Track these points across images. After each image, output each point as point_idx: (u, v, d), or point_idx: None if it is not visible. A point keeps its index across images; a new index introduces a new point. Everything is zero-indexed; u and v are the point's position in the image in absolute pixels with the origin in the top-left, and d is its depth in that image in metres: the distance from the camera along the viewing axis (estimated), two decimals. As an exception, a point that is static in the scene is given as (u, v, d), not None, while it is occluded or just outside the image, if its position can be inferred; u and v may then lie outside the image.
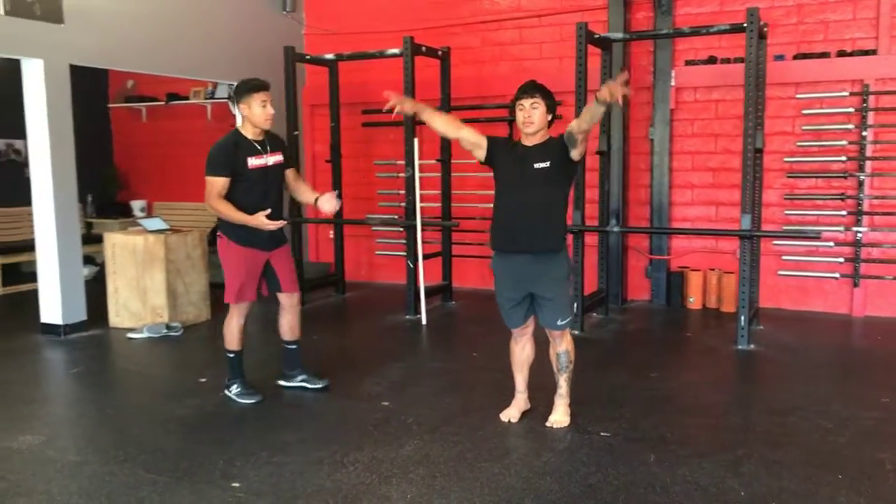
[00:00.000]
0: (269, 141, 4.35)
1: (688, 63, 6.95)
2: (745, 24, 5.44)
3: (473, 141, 3.92)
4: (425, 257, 7.49)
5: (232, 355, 4.49)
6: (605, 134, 6.52)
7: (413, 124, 6.70)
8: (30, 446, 3.79)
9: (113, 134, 9.98)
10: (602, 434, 3.88)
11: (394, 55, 6.79)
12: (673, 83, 6.95)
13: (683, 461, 3.52)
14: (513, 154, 3.86)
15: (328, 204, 4.33)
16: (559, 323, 3.94)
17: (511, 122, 7.59)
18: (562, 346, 4.03)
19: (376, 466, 3.51)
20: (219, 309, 6.74)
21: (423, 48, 6.77)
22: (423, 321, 6.43)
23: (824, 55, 6.49)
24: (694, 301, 6.96)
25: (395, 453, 3.66)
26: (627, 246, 7.32)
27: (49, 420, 4.22)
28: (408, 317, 6.63)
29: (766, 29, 5.89)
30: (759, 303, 6.21)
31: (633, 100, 7.18)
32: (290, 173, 4.51)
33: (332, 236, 8.04)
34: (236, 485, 3.34)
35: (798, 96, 6.62)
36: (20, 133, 6.17)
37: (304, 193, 4.56)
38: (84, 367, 5.38)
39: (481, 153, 3.92)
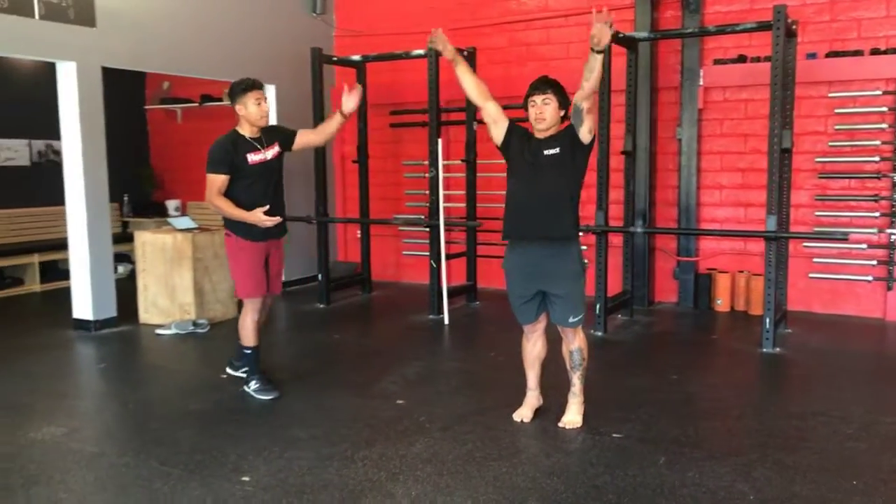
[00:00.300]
0: (266, 136, 4.46)
1: (717, 62, 6.85)
2: (771, 22, 5.34)
3: (496, 116, 3.93)
4: (450, 257, 7.51)
5: (249, 351, 4.56)
6: (630, 134, 6.47)
7: (437, 124, 6.71)
8: (52, 437, 3.90)
9: (149, 135, 10.20)
10: (614, 435, 3.85)
11: (419, 56, 6.83)
12: (701, 83, 6.85)
13: (695, 464, 3.48)
14: (527, 144, 3.85)
15: (350, 101, 4.49)
16: (571, 320, 3.91)
17: (538, 122, 7.60)
18: (574, 343, 4.00)
19: (385, 463, 3.53)
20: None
21: (449, 48, 6.76)
22: (446, 321, 6.44)
23: (857, 53, 6.34)
24: (722, 303, 6.85)
25: (405, 451, 3.68)
26: (655, 247, 7.24)
27: (72, 412, 4.33)
28: (430, 316, 6.65)
29: (795, 27, 5.78)
30: (786, 306, 6.09)
31: (661, 99, 7.13)
32: (302, 134, 4.61)
33: (359, 236, 8.10)
34: (246, 478, 3.39)
35: (830, 95, 6.48)
36: (60, 134, 6.33)
37: (329, 123, 4.67)
38: (111, 362, 5.51)
39: (500, 133, 3.91)
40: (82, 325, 6.25)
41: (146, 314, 6.53)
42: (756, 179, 6.78)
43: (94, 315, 6.22)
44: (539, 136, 3.83)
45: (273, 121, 7.90)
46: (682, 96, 6.91)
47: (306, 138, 4.65)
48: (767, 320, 5.44)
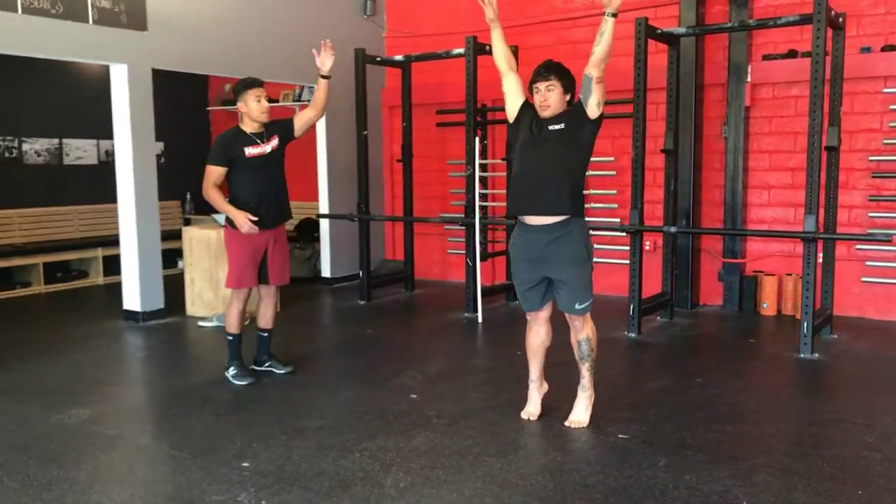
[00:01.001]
0: (266, 130, 4.64)
1: (765, 58, 6.63)
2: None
3: (514, 89, 3.95)
4: (492, 256, 7.52)
5: (231, 338, 4.79)
6: (671, 131, 6.34)
7: (474, 123, 6.72)
8: (78, 420, 4.10)
9: (212, 135, 10.55)
10: (620, 436, 3.79)
11: (459, 55, 6.86)
12: (749, 79, 6.64)
13: (695, 467, 3.39)
14: (535, 120, 3.81)
15: (325, 62, 4.74)
16: (577, 307, 3.82)
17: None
18: (583, 332, 3.92)
19: (382, 455, 3.58)
20: (286, 301, 7.06)
21: (487, 47, 6.76)
22: (480, 319, 6.44)
23: (915, 46, 6.03)
24: (768, 307, 6.62)
25: (405, 444, 3.71)
26: (700, 248, 7.06)
27: (103, 397, 4.54)
28: (466, 315, 6.66)
29: (842, 19, 5.54)
30: (832, 310, 5.84)
31: (708, 97, 6.94)
32: (298, 116, 4.79)
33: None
34: (245, 464, 3.49)
35: (886, 91, 6.19)
36: None
37: (317, 92, 4.85)
38: (151, 351, 5.75)
39: (514, 106, 3.91)
40: (131, 315, 6.54)
41: (192, 307, 6.77)
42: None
43: (142, 307, 6.51)
44: (544, 116, 3.79)
45: (321, 121, 8.09)
46: (728, 93, 6.72)
47: (304, 118, 4.81)
48: (805, 324, 5.23)
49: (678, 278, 6.88)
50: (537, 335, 4.03)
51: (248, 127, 4.60)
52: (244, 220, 4.50)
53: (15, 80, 8.20)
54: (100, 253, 8.48)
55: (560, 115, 3.76)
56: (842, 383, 4.77)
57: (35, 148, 8.59)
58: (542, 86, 3.73)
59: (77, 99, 8.70)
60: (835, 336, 5.78)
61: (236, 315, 4.76)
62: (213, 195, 4.56)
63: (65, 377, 4.95)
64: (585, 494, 3.15)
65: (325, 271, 8.35)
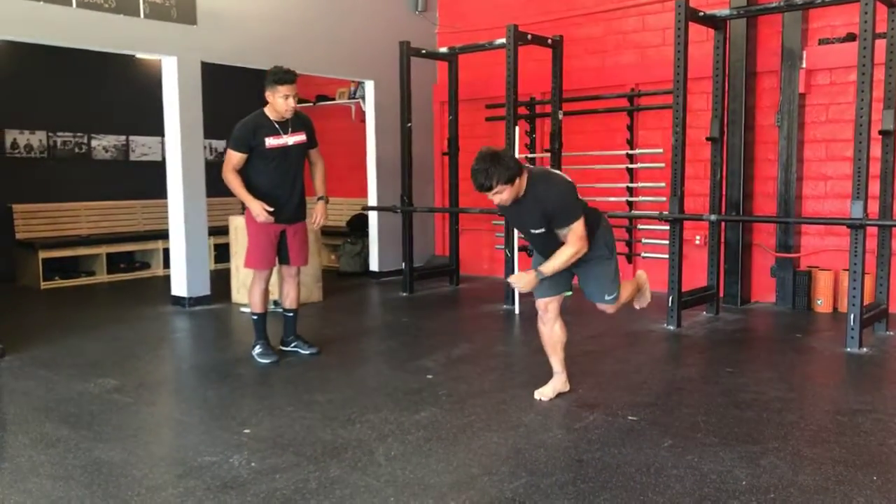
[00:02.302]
0: (293, 121, 4.62)
1: (821, 42, 6.33)
2: (861, -10, 4.88)
3: None
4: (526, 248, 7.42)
5: (256, 317, 4.85)
6: (717, 119, 6.13)
7: (514, 114, 6.66)
8: (101, 389, 4.24)
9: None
10: (629, 418, 3.66)
11: (502, 45, 6.81)
12: (804, 65, 6.35)
13: (700, 448, 3.24)
14: (511, 207, 3.69)
15: (318, 220, 4.85)
16: (607, 298, 3.94)
17: (632, 113, 7.36)
18: (612, 311, 4.10)
19: (381, 427, 3.56)
20: (330, 292, 7.15)
21: (529, 36, 6.72)
22: (517, 310, 6.35)
23: (983, 25, 5.63)
24: (822, 304, 6.29)
25: (408, 418, 3.68)
26: (752, 243, 6.78)
27: (130, 370, 4.67)
28: (505, 306, 6.60)
29: (896, -4, 5.24)
30: (887, 305, 5.48)
31: (761, 85, 6.68)
32: (312, 153, 4.83)
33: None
34: (247, 431, 3.53)
35: (951, 74, 5.79)
36: (213, 134, 6.85)
37: (316, 183, 4.92)
38: (189, 332, 5.93)
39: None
40: (178, 301, 6.74)
41: (238, 294, 6.92)
42: (870, 169, 6.16)
43: (189, 293, 6.70)
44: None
45: (370, 115, 8.19)
46: (781, 80, 6.44)
47: (311, 158, 4.85)
48: (852, 316, 4.95)
49: (727, 273, 6.62)
50: (551, 331, 3.95)
51: (273, 115, 4.58)
52: (260, 211, 4.53)
53: (85, 79, 8.60)
54: (160, 245, 8.78)
55: (532, 211, 3.65)
56: (885, 376, 4.47)
57: (103, 144, 8.99)
58: (491, 196, 3.57)
59: (144, 98, 9.03)
60: (891, 333, 5.43)
61: (259, 295, 4.82)
62: (232, 180, 4.56)
63: (100, 352, 5.13)
64: (576, 469, 3.05)
65: (374, 265, 8.40)
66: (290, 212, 4.70)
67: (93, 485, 2.93)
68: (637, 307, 4.36)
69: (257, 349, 4.84)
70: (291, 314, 4.99)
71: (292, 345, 5.00)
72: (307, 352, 4.95)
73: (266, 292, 4.87)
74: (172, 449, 3.34)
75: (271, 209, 4.57)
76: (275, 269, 4.92)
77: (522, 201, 3.63)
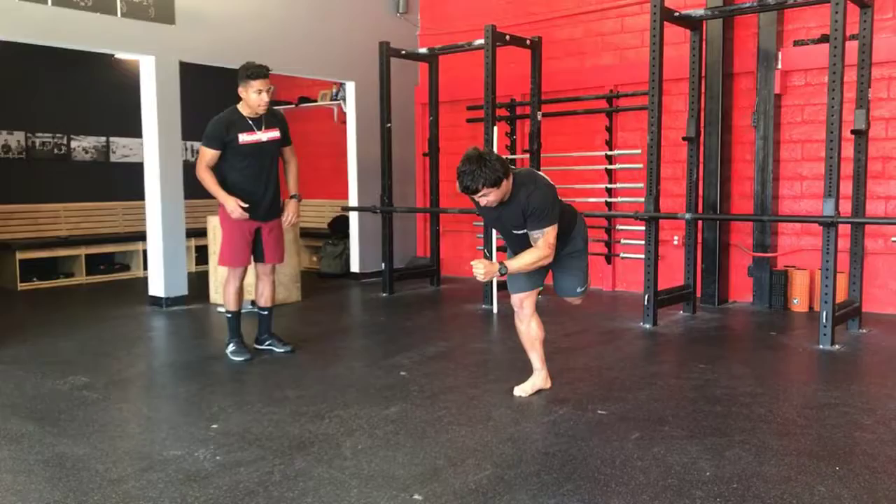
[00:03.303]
0: (266, 118, 4.60)
1: (797, 43, 6.38)
2: (832, -10, 4.92)
3: None
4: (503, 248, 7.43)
5: (230, 315, 4.84)
6: (693, 118, 6.16)
7: (493, 115, 6.67)
8: (72, 386, 4.20)
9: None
10: (599, 412, 3.66)
11: (480, 46, 6.82)
12: (779, 66, 6.40)
13: (667, 441, 3.24)
14: (491, 209, 3.66)
15: (290, 217, 4.79)
16: (578, 290, 3.98)
17: (611, 114, 7.39)
18: (579, 303, 4.17)
19: (351, 421, 3.55)
20: (310, 293, 7.13)
21: (508, 37, 6.74)
22: (495, 310, 6.36)
23: (955, 26, 5.71)
24: (799, 303, 6.32)
25: (378, 413, 3.67)
26: (729, 244, 6.81)
27: (102, 368, 4.62)
28: (483, 306, 6.60)
29: (868, -3, 5.29)
30: (860, 303, 5.52)
31: (738, 86, 6.72)
32: (286, 151, 4.80)
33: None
34: (215, 426, 3.51)
35: (923, 74, 5.87)
36: (195, 136, 6.77)
37: (290, 181, 4.88)
38: (164, 331, 5.89)
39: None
40: (155, 301, 6.71)
41: (215, 294, 6.89)
42: (844, 169, 6.21)
43: (166, 293, 6.67)
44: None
45: (351, 116, 8.19)
46: (757, 81, 6.48)
47: (285, 156, 4.82)
48: (824, 314, 4.97)
49: (705, 273, 6.66)
50: (528, 328, 3.95)
51: (246, 111, 4.56)
52: (234, 207, 4.51)
53: (65, 80, 8.56)
54: (140, 247, 8.72)
55: (514, 213, 3.61)
56: (855, 372, 4.50)
57: (83, 145, 8.95)
58: (477, 198, 3.54)
59: (125, 99, 9.00)
60: (864, 330, 5.47)
61: (233, 292, 4.80)
62: (206, 178, 4.53)
63: (73, 351, 5.09)
64: (542, 461, 3.05)
65: (355, 266, 8.39)
66: (264, 209, 4.68)
67: (54, 478, 2.91)
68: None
69: (231, 347, 4.82)
70: (266, 312, 4.98)
71: (266, 343, 4.98)
72: (281, 350, 4.93)
73: (240, 290, 4.85)
74: (138, 443, 3.31)
75: (246, 205, 4.55)
76: (251, 269, 4.90)
77: (507, 204, 3.60)
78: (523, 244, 3.72)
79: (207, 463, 3.04)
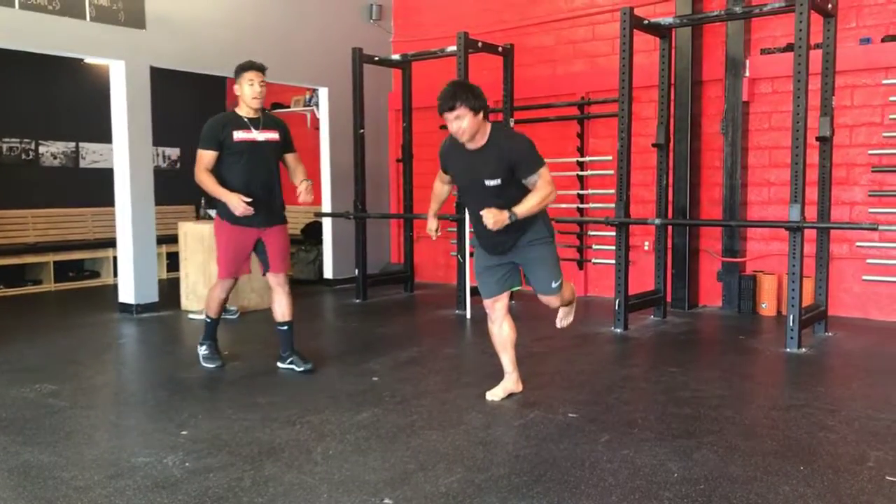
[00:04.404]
0: (265, 120, 4.50)
1: (763, 52, 6.49)
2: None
3: (444, 178, 3.97)
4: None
5: (209, 321, 4.75)
6: (662, 125, 6.23)
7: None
8: (38, 394, 4.15)
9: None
10: (569, 415, 3.69)
11: (452, 53, 6.85)
12: (747, 74, 6.51)
13: (636, 443, 3.28)
14: (462, 159, 3.66)
15: (303, 194, 4.45)
16: (553, 285, 3.82)
17: (583, 121, 7.46)
18: (558, 303, 3.99)
19: (322, 427, 3.54)
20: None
21: (480, 44, 6.78)
22: (468, 316, 6.38)
23: (915, 36, 5.84)
24: (767, 307, 6.42)
25: (349, 418, 3.67)
26: (699, 249, 6.90)
27: (69, 376, 4.55)
28: (456, 311, 6.61)
29: (831, 6, 5.40)
30: (826, 307, 5.61)
31: (707, 93, 6.82)
32: (290, 158, 4.63)
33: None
34: (185, 432, 3.48)
35: (885, 82, 5.99)
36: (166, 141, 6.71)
37: (296, 176, 4.62)
38: (134, 338, 5.83)
39: (442, 168, 3.92)
40: (126, 308, 6.64)
41: (187, 301, 6.85)
42: (810, 176, 6.32)
43: (136, 300, 6.60)
44: (469, 146, 3.61)
45: (325, 122, 8.18)
46: (725, 88, 6.58)
47: (289, 163, 4.64)
48: (791, 318, 5.05)
49: (675, 278, 6.73)
50: (501, 329, 3.94)
51: (244, 111, 4.44)
52: (238, 203, 4.25)
53: (32, 84, 8.46)
54: (111, 253, 8.62)
55: (490, 159, 3.56)
56: (820, 374, 4.58)
57: (51, 151, 8.84)
58: (450, 117, 3.49)
59: (95, 103, 8.91)
60: (829, 333, 5.56)
61: (216, 301, 4.65)
62: (205, 179, 4.34)
63: (40, 358, 5.02)
64: (512, 464, 3.06)
65: (328, 273, 8.37)
66: (264, 214, 4.43)
67: (19, 487, 2.87)
68: (559, 325, 4.22)
69: (203, 350, 4.75)
70: (285, 328, 4.63)
71: (288, 361, 4.63)
72: (301, 368, 4.56)
73: (224, 301, 4.70)
74: (105, 451, 3.27)
75: (249, 200, 4.28)
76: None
77: (483, 149, 3.56)
78: (489, 199, 3.57)
79: (176, 469, 3.02)
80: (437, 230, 4.08)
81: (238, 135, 4.39)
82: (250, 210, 4.31)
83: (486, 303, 3.94)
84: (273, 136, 4.50)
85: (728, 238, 6.68)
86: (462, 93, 3.45)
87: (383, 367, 4.68)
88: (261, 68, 4.45)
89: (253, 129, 4.43)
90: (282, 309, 4.59)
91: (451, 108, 3.45)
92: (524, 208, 3.53)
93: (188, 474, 2.97)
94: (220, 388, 4.30)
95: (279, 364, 4.70)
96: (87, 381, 4.50)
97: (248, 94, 4.41)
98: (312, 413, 3.75)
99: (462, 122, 3.47)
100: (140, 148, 6.58)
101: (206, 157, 4.40)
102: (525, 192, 3.61)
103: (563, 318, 4.20)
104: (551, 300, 3.93)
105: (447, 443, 3.32)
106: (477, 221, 3.70)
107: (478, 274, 3.94)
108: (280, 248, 4.54)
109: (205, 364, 4.71)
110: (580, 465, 3.04)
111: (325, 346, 5.58)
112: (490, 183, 3.58)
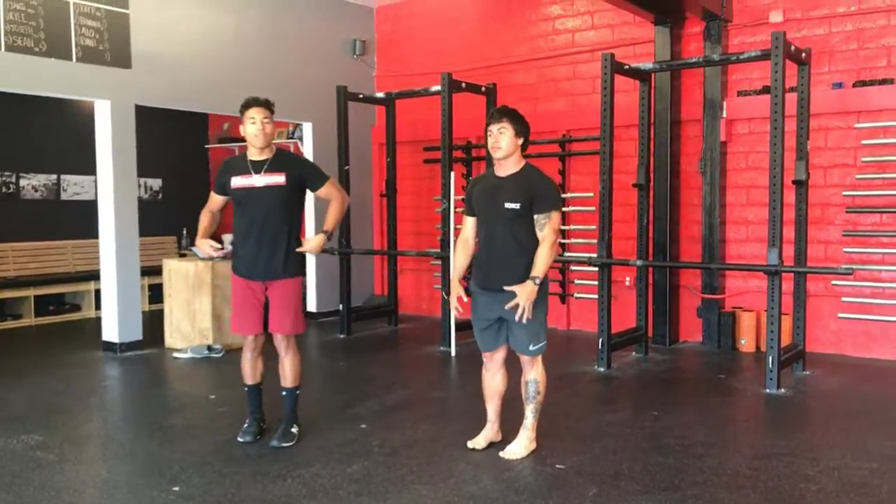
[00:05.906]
0: (273, 161, 4.07)
1: (740, 94, 6.66)
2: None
3: (471, 222, 3.98)
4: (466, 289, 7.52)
5: (246, 388, 4.29)
6: (643, 166, 6.36)
7: (450, 158, 6.80)
8: (25, 445, 4.13)
9: (210, 172, 10.73)
10: (557, 466, 3.75)
11: (436, 92, 6.95)
12: (724, 115, 6.67)
13: (623, 497, 3.34)
14: (489, 185, 3.85)
15: (304, 245, 4.12)
16: (531, 348, 3.86)
17: (564, 158, 7.58)
18: (531, 373, 3.94)
19: (313, 482, 3.57)
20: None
21: (464, 84, 6.89)
22: (453, 353, 6.43)
23: (886, 82, 6.03)
24: (746, 343, 6.54)
25: (340, 471, 3.70)
26: (679, 285, 7.01)
27: (56, 424, 4.55)
28: (441, 348, 6.66)
29: (804, 55, 5.57)
30: (804, 345, 5.74)
31: (685, 133, 6.97)
32: (322, 191, 4.22)
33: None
34: (176, 489, 3.50)
35: (857, 126, 6.17)
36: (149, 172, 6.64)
37: (327, 217, 4.26)
38: (119, 380, 5.83)
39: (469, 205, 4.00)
40: (109, 346, 6.62)
41: (171, 338, 6.84)
42: (786, 214, 6.47)
43: (120, 338, 6.58)
44: (499, 172, 3.82)
45: (309, 156, 8.22)
46: (703, 129, 6.73)
47: (327, 193, 4.25)
48: (770, 359, 5.17)
49: (656, 314, 6.83)
50: (493, 378, 4.01)
51: (250, 153, 4.08)
52: (203, 247, 4.07)
53: (14, 117, 8.43)
54: (92, 287, 8.60)
55: (515, 186, 3.74)
56: (800, 418, 4.69)
57: (32, 183, 8.80)
58: (494, 128, 3.77)
59: (76, 136, 8.91)
60: (808, 372, 5.69)
61: (244, 363, 4.24)
62: (201, 219, 4.20)
63: (25, 404, 5.00)
64: (503, 522, 3.11)
65: (311, 306, 8.39)
66: (262, 267, 4.04)
67: (12, 553, 2.87)
68: (502, 455, 3.90)
69: (244, 426, 4.26)
70: (284, 393, 4.21)
71: (275, 434, 4.15)
72: (274, 444, 4.09)
73: (253, 362, 4.24)
74: (97, 510, 3.29)
75: (219, 245, 4.08)
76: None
77: (512, 177, 3.78)
78: (501, 222, 3.74)
79: (170, 531, 3.04)
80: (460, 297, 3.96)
81: (235, 181, 4.07)
82: (213, 253, 4.09)
83: (485, 354, 4.00)
84: (276, 180, 4.01)
85: (707, 275, 6.80)
86: (512, 114, 3.80)
87: (370, 413, 4.72)
88: (265, 104, 4.09)
89: (253, 174, 4.02)
90: (282, 373, 4.21)
91: (499, 121, 3.76)
92: (541, 268, 3.70)
93: (182, 537, 2.99)
94: (207, 437, 4.30)
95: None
96: (74, 431, 4.48)
97: (249, 134, 4.04)
98: (303, 466, 3.78)
99: (503, 137, 3.74)
100: (125, 184, 6.58)
101: (211, 198, 4.24)
102: (532, 231, 3.75)
103: (514, 449, 3.90)
104: (525, 362, 3.92)
105: (437, 498, 3.36)
106: (484, 246, 3.87)
107: (477, 333, 4.00)
108: (281, 304, 4.08)
109: (238, 438, 4.18)
110: (569, 522, 3.10)
111: (312, 387, 5.55)
112: (509, 205, 3.74)
